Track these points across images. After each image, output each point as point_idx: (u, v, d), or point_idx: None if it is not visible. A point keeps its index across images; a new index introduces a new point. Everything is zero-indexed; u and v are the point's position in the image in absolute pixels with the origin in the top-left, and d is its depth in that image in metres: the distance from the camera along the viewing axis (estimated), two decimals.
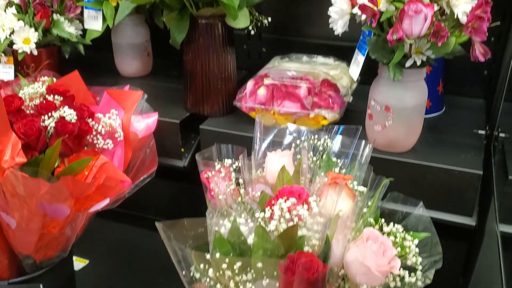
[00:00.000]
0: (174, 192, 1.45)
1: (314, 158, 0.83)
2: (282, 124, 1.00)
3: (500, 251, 0.87)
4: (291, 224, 0.65)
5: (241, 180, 0.82)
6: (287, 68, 1.17)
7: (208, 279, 0.68)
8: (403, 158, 0.96)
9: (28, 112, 0.87)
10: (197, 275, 0.69)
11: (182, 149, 1.19)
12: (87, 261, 1.30)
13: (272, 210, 0.67)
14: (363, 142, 0.81)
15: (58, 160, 0.82)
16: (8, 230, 0.84)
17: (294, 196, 0.70)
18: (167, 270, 1.29)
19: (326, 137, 0.84)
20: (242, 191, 0.81)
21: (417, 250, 0.68)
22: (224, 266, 0.64)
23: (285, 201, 0.68)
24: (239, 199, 0.81)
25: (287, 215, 0.66)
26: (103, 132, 0.90)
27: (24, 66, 1.27)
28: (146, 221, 1.47)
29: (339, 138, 0.85)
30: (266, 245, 0.66)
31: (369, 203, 0.74)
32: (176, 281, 1.25)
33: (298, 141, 0.84)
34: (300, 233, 0.66)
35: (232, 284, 0.65)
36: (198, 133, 1.17)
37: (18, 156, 0.75)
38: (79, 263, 1.26)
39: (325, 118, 1.06)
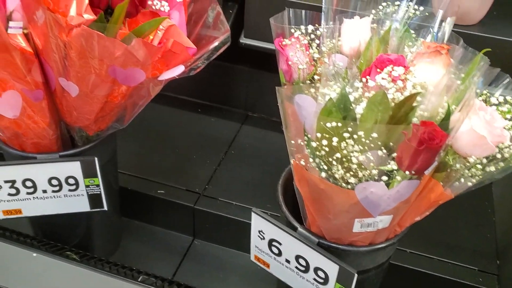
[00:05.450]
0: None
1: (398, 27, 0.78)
2: None
3: None
4: (406, 93, 0.62)
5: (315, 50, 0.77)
6: None
7: (310, 150, 0.65)
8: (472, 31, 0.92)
9: None
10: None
11: None
12: None
13: (367, 80, 0.63)
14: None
15: None
16: (64, 100, 0.76)
17: (395, 64, 0.66)
18: (199, 147, 1.25)
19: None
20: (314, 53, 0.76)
21: None
22: (334, 136, 0.61)
23: (392, 69, 0.64)
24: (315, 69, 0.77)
25: (396, 84, 0.63)
26: None
27: None
28: (170, 99, 1.39)
29: None
30: (378, 114, 0.62)
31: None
32: (211, 156, 1.22)
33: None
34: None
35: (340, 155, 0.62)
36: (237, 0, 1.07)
37: (86, 13, 0.65)
38: None
39: None
